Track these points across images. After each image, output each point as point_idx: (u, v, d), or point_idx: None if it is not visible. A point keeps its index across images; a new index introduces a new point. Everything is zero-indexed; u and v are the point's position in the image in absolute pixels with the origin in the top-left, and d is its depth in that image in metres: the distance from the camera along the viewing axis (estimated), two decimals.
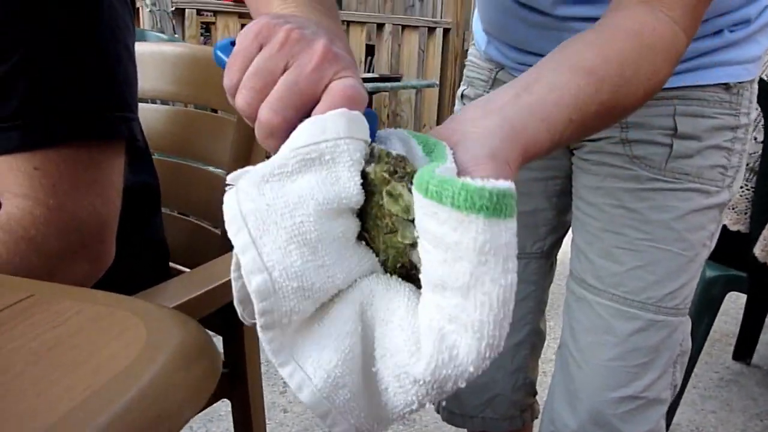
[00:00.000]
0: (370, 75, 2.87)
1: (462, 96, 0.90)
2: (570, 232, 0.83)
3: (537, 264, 0.88)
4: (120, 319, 0.35)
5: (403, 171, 0.34)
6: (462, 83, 0.91)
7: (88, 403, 0.27)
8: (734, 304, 2.16)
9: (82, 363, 0.30)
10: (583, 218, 0.77)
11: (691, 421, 1.65)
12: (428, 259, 0.32)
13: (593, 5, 0.63)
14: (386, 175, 0.34)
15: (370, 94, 2.75)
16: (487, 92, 0.84)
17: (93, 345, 0.32)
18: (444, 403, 0.98)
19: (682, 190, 0.69)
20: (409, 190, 0.33)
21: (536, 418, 0.99)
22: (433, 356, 0.32)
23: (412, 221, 0.33)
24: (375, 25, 3.15)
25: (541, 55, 0.58)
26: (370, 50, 3.42)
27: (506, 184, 0.31)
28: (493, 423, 0.95)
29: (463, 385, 0.33)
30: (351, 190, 0.34)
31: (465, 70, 0.91)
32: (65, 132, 0.58)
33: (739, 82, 0.69)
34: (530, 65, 0.62)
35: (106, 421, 0.26)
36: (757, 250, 1.35)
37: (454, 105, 3.88)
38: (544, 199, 0.85)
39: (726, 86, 0.69)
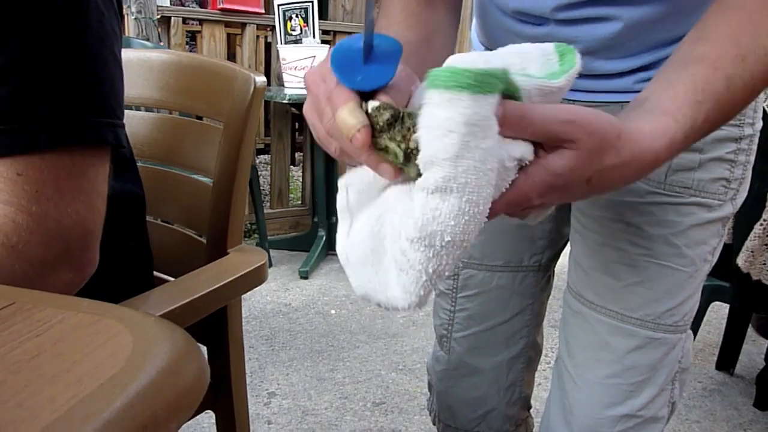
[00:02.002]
0: None
1: None
2: (568, 245, 0.81)
3: (534, 277, 0.87)
4: (105, 327, 0.34)
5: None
6: None
7: (72, 413, 0.26)
8: (717, 314, 2.18)
9: (65, 372, 0.29)
10: (582, 231, 0.75)
11: (675, 430, 1.65)
12: (424, 142, 0.37)
13: (595, 7, 0.63)
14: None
15: None
16: None
17: (77, 354, 0.31)
18: (440, 417, 0.97)
19: (683, 204, 0.67)
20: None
21: (531, 430, 0.99)
22: (420, 216, 0.38)
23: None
24: None
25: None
26: None
27: (491, 69, 0.37)
28: None
29: (447, 239, 0.38)
30: None
31: None
32: (49, 137, 0.56)
33: None
34: None
35: (90, 431, 0.25)
36: (740, 261, 1.37)
37: None
38: None
39: None
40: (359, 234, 0.45)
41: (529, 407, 0.97)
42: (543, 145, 0.42)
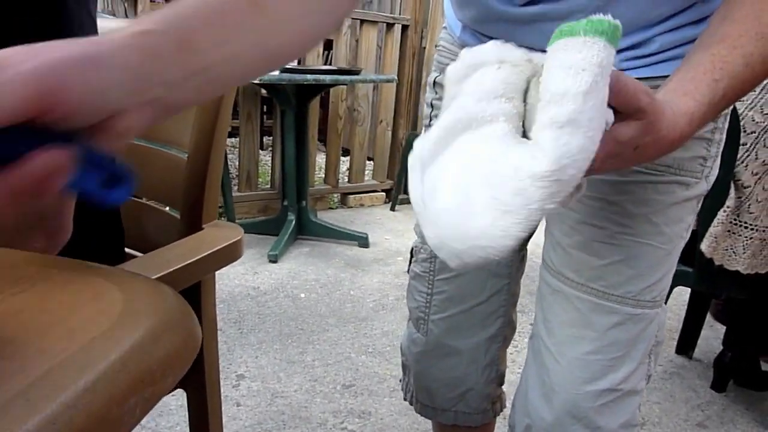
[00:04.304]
0: (329, 67, 2.84)
1: (434, 83, 0.87)
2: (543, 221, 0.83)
3: (509, 258, 0.87)
4: (91, 284, 0.33)
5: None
6: (433, 69, 0.88)
7: (66, 363, 0.25)
8: (676, 301, 2.25)
9: (54, 326, 0.28)
10: (561, 209, 0.76)
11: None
12: (552, 80, 0.41)
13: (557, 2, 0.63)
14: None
15: (329, 86, 2.73)
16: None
17: (65, 309, 0.30)
18: (415, 396, 0.98)
19: (664, 183, 0.68)
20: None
21: (504, 408, 1.00)
22: (554, 150, 0.40)
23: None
24: None
25: (524, 46, 0.62)
26: (328, 44, 3.39)
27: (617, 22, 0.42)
28: (465, 417, 0.95)
29: (572, 172, 0.41)
30: None
31: (436, 56, 0.88)
32: None
33: None
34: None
35: (87, 384, 0.24)
36: (704, 246, 1.41)
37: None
38: None
39: None
40: (438, 182, 0.47)
41: (503, 383, 0.98)
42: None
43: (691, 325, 2.02)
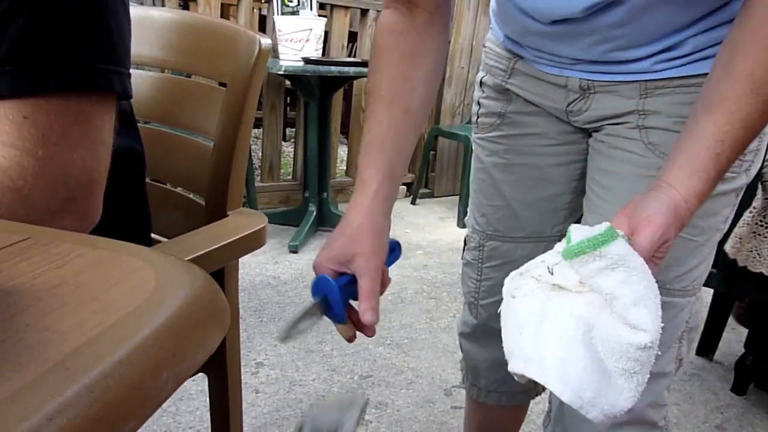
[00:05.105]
0: (353, 59, 2.85)
1: (481, 83, 0.91)
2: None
3: None
4: (125, 262, 0.34)
5: None
6: (481, 69, 0.93)
7: (101, 337, 0.26)
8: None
9: (90, 301, 0.29)
10: (596, 201, 0.77)
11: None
12: (608, 281, 0.55)
13: (621, 6, 0.64)
14: None
15: (353, 78, 2.73)
16: (506, 81, 0.85)
17: (99, 285, 0.31)
18: (466, 377, 1.06)
19: None
20: None
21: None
22: (653, 325, 0.53)
23: None
24: (359, 10, 3.12)
25: (555, 55, 0.66)
26: (352, 37, 3.39)
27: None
28: (509, 396, 1.02)
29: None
30: None
31: (483, 57, 0.92)
32: (58, 80, 0.55)
33: None
34: (549, 56, 0.75)
35: (122, 355, 0.25)
36: (728, 247, 1.39)
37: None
38: (565, 183, 0.86)
39: None
40: (554, 338, 0.56)
41: None
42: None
43: (713, 327, 1.99)
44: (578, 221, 0.91)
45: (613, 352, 0.53)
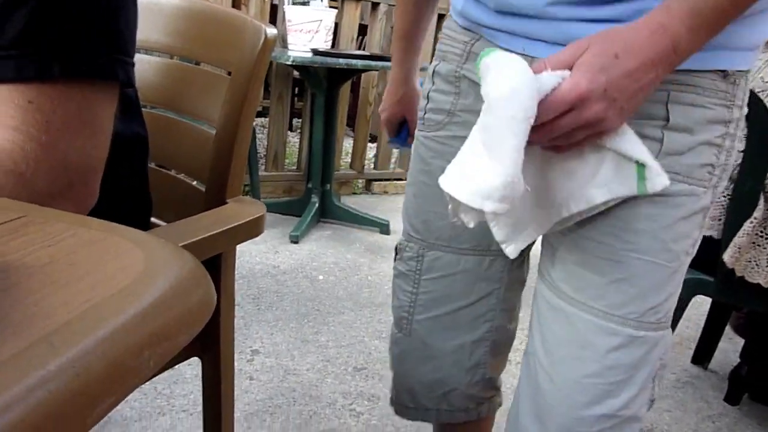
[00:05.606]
0: (362, 52, 2.85)
1: (433, 73, 0.84)
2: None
3: (503, 262, 0.84)
4: (115, 243, 0.34)
5: None
6: (434, 58, 0.86)
7: (86, 315, 0.27)
8: (696, 310, 2.22)
9: (78, 280, 0.30)
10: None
11: (646, 418, 1.69)
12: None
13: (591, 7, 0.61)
14: None
15: (360, 71, 2.73)
16: (461, 67, 0.79)
17: (89, 265, 0.32)
18: (395, 398, 0.95)
19: (673, 195, 0.64)
20: None
21: (499, 407, 0.98)
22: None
23: None
24: (370, 3, 3.12)
25: (525, 15, 0.66)
26: (363, 30, 3.39)
27: None
28: (448, 414, 0.93)
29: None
30: None
31: (438, 45, 0.85)
32: (62, 67, 0.56)
33: (738, 71, 0.64)
34: (510, 30, 0.70)
35: (106, 333, 0.26)
36: (726, 256, 1.39)
37: None
38: None
39: (723, 73, 0.64)
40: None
41: (496, 387, 0.95)
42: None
43: (709, 336, 1.99)
44: (534, 240, 0.80)
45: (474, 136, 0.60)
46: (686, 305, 1.54)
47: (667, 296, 0.68)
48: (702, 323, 2.03)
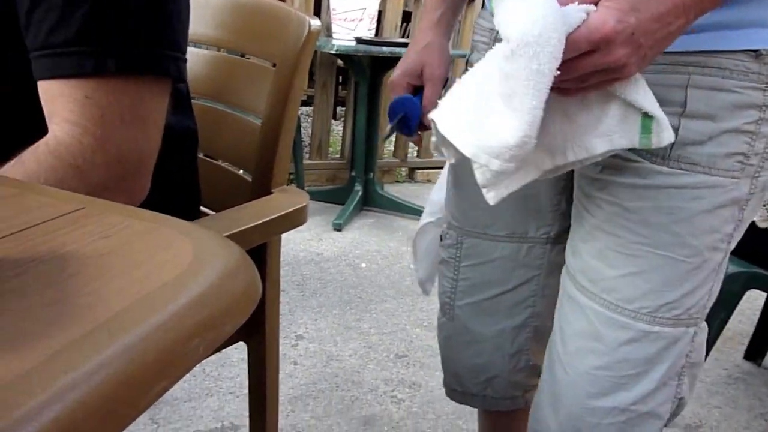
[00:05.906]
0: (405, 40, 2.84)
1: (467, 63, 0.85)
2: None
3: (542, 249, 0.84)
4: (167, 235, 0.36)
5: None
6: (470, 49, 0.86)
7: (139, 304, 0.28)
8: (751, 305, 2.14)
9: (132, 269, 0.32)
10: (581, 211, 0.71)
11: (695, 413, 1.65)
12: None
13: None
14: None
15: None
16: None
17: (142, 255, 0.33)
18: (445, 380, 0.97)
19: (690, 187, 0.61)
20: None
21: None
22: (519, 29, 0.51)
23: None
24: None
25: None
26: (407, 17, 3.37)
27: None
28: (493, 401, 0.94)
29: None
30: None
31: (472, 36, 0.85)
32: (117, 62, 0.59)
33: None
34: None
35: (158, 322, 0.27)
36: (757, 217, 1.34)
37: None
38: (550, 181, 0.78)
39: (756, 53, 0.58)
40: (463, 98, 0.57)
41: (539, 374, 0.95)
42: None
43: (762, 331, 1.93)
44: (567, 231, 0.79)
45: (485, 85, 0.54)
46: (739, 300, 1.49)
47: (687, 292, 0.65)
48: (756, 318, 1.96)
